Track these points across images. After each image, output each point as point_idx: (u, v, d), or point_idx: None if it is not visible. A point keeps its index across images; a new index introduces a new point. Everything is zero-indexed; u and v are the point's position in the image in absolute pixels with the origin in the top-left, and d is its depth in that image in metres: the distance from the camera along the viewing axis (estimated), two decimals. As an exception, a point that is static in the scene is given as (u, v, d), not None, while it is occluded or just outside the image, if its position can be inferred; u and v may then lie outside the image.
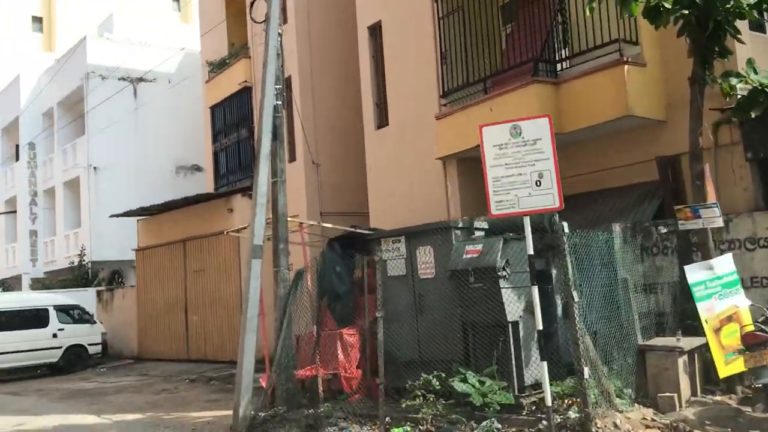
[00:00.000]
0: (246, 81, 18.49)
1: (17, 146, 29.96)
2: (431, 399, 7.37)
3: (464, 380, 7.38)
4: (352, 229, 11.29)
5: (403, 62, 13.42)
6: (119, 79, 25.16)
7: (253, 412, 8.50)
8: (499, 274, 7.53)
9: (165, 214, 20.17)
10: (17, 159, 29.88)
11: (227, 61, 19.45)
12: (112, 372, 19.17)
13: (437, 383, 7.48)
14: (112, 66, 24.54)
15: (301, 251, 11.48)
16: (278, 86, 9.36)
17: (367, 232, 11.12)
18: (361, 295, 11.08)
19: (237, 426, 8.30)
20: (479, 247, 7.78)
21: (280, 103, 9.47)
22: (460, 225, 8.50)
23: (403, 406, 7.32)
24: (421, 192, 12.95)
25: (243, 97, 18.79)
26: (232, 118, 19.44)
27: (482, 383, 7.39)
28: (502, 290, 7.55)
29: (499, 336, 7.65)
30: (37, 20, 41.83)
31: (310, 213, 15.74)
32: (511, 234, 7.87)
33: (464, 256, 7.84)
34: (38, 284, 26.37)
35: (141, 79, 25.68)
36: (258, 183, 8.75)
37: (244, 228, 13.42)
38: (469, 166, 12.06)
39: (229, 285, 17.59)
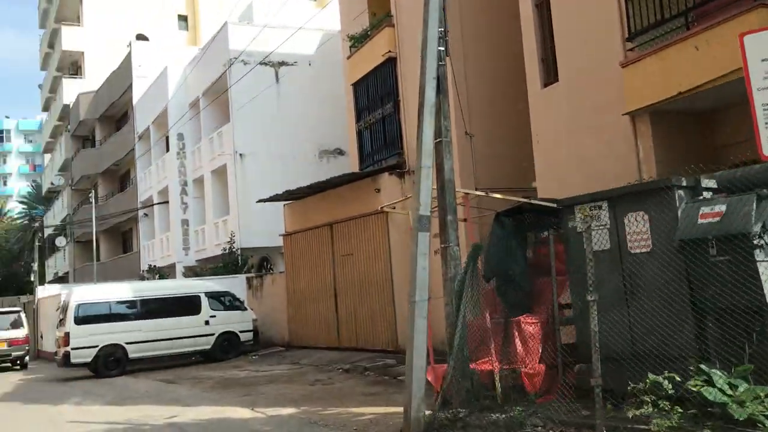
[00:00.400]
0: (390, 51, 17.20)
1: (167, 137, 30.74)
2: (664, 406, 5.63)
3: (709, 382, 5.58)
4: (526, 200, 9.65)
5: (575, 6, 11.51)
6: (261, 64, 24.82)
7: (428, 413, 7.11)
8: (755, 242, 5.62)
9: (311, 198, 19.45)
10: (167, 150, 30.65)
11: (369, 32, 18.28)
12: (264, 360, 18.73)
13: (670, 386, 5.73)
14: (253, 51, 24.15)
15: (464, 229, 10.03)
16: (441, 29, 7.86)
17: (543, 203, 9.45)
18: (538, 276, 9.51)
19: (409, 430, 6.95)
20: (721, 208, 5.91)
21: (443, 48, 7.95)
22: (684, 183, 6.62)
23: (630, 415, 5.62)
24: (601, 156, 11.04)
25: (387, 69, 17.53)
26: (375, 93, 18.27)
27: (733, 387, 5.55)
28: (759, 264, 5.65)
29: (753, 325, 5.76)
30: (183, 18, 43.36)
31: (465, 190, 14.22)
32: (765, 190, 5.92)
33: (699, 222, 6.00)
34: (190, 272, 26.82)
35: (282, 63, 25.27)
36: (422, 140, 7.32)
37: (403, 200, 12.16)
38: (666, 120, 10.03)
39: (379, 269, 16.50)
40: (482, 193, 9.35)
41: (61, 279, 43.91)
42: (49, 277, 47.91)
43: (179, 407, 11.64)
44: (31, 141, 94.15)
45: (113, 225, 37.65)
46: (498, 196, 9.43)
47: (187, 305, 19.46)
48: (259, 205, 22.46)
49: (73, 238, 42.59)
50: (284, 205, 20.97)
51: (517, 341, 8.97)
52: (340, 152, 25.84)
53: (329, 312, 18.49)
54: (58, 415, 11.78)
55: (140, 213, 33.48)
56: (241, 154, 24.65)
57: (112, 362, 18.30)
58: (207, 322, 19.48)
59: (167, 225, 30.24)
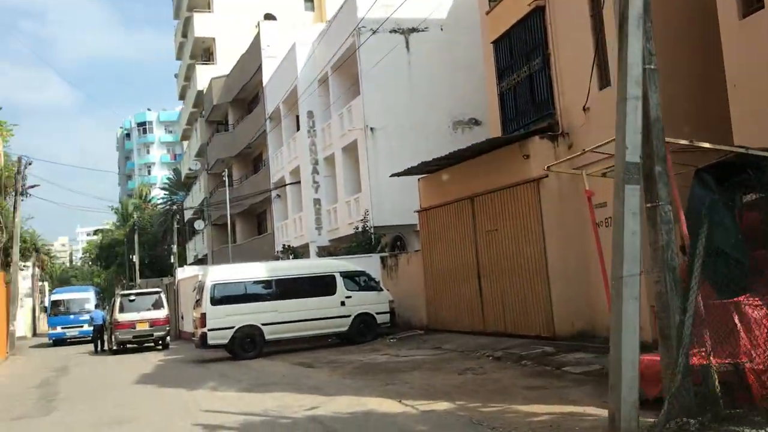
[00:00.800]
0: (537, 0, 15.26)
1: (297, 117, 30.22)
2: None
3: None
4: (742, 150, 7.58)
5: None
6: (390, 32, 23.51)
7: (649, 421, 5.38)
8: None
9: (448, 170, 17.88)
10: (297, 129, 30.13)
11: (512, -19, 16.38)
12: (403, 343, 17.50)
13: None
14: (383, 18, 22.82)
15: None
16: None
17: (769, 152, 7.34)
18: (753, 247, 7.47)
19: (618, 444, 5.27)
20: None
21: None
22: None
23: None
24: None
25: (534, 19, 15.58)
26: (520, 49, 16.35)
27: None
28: None
29: None
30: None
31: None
32: None
33: None
34: (324, 252, 26.13)
35: (412, 30, 23.80)
36: (627, 63, 5.54)
37: (577, 156, 10.36)
38: None
39: (530, 245, 14.70)
40: (686, 142, 7.36)
41: (200, 261, 45.17)
42: (189, 259, 49.60)
43: (319, 396, 10.53)
44: (171, 131, 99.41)
45: (248, 207, 37.94)
46: (706, 145, 7.43)
47: (322, 285, 18.62)
48: (392, 182, 21.26)
49: (210, 221, 43.61)
50: (419, 179, 19.56)
51: (739, 328, 7.03)
52: (476, 122, 24.14)
53: (472, 293, 16.92)
54: (193, 402, 11.03)
55: (273, 194, 33.34)
56: (372, 129, 23.50)
57: (248, 344, 17.76)
58: (343, 303, 18.55)
59: (300, 205, 29.78)
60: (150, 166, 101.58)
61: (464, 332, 17.01)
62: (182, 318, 29.13)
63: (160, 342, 24.42)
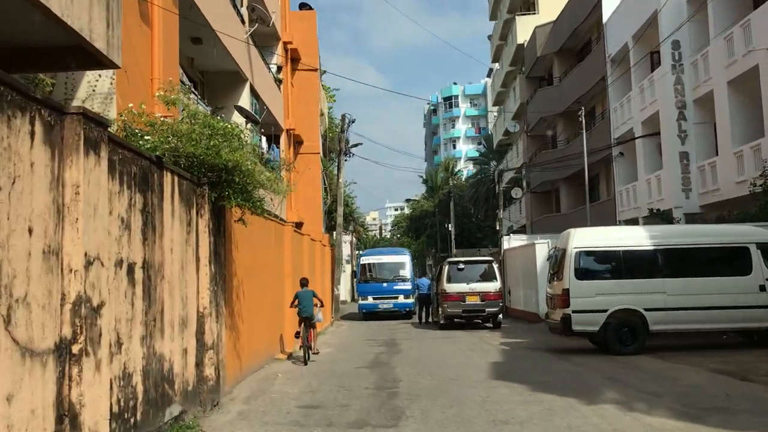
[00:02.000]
0: None
1: (651, 54, 24.35)
2: None
3: None
4: None
5: None
6: None
7: None
8: None
9: None
10: (652, 69, 24.24)
11: None
12: None
13: None
14: None
15: None
16: None
17: None
18: None
19: None
20: None
21: None
22: None
23: None
24: None
25: None
26: None
27: None
28: None
29: None
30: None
31: None
32: None
33: None
34: (704, 221, 20.11)
35: None
36: None
37: None
38: None
39: None
40: None
41: (515, 233, 41.44)
42: (503, 231, 46.25)
43: None
44: (475, 105, 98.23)
45: (575, 172, 32.90)
46: None
47: (729, 261, 13.42)
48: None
49: (529, 188, 39.56)
50: None
51: None
52: None
53: None
54: (610, 428, 6.68)
55: (614, 152, 27.87)
56: (784, 47, 16.92)
57: (626, 334, 13.11)
58: (763, 288, 12.94)
59: (655, 163, 23.94)
60: (455, 141, 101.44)
61: None
62: (509, 293, 25.48)
63: (491, 319, 20.89)
